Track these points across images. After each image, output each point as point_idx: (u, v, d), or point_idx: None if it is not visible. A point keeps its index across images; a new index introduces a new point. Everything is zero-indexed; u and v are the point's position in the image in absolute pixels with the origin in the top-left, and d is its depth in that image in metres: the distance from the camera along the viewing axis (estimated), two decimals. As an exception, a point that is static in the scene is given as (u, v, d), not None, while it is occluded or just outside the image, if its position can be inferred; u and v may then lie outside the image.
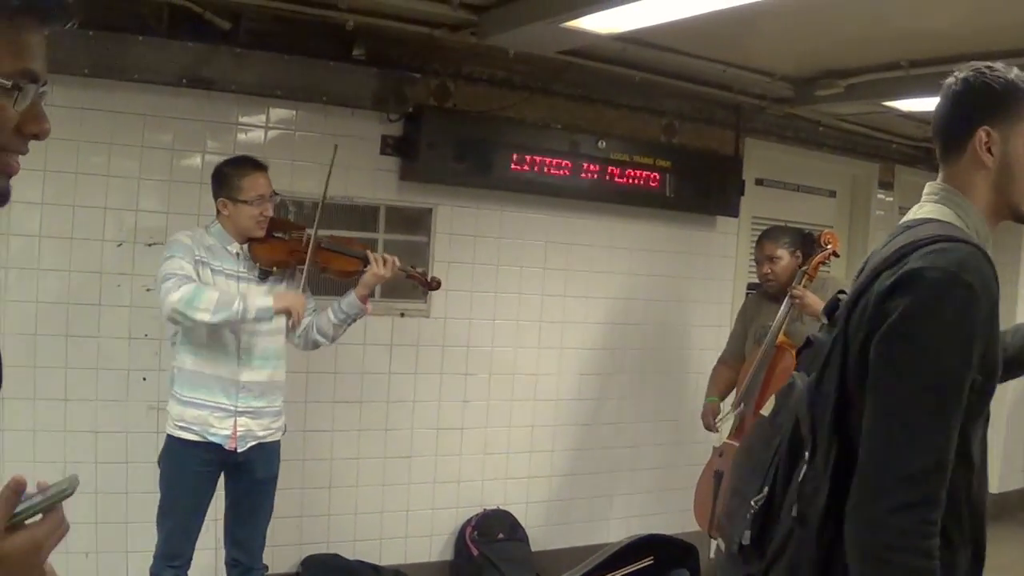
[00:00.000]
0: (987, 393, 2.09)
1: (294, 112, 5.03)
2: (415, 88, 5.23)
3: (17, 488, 1.35)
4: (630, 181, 6.04)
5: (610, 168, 5.95)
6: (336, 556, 5.32)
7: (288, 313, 4.12)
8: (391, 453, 5.53)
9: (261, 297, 4.08)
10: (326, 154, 4.87)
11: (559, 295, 6.07)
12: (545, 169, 5.69)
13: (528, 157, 5.61)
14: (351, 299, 4.34)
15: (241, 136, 4.92)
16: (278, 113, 5.01)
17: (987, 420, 2.17)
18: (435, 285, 4.61)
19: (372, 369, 5.40)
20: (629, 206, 6.16)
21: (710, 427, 5.66)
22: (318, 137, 5.02)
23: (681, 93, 6.13)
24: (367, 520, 5.48)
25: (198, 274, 4.04)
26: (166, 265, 4.01)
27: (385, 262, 4.34)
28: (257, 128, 4.97)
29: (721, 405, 5.68)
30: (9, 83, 1.36)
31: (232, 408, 4.15)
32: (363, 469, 5.46)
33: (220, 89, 4.72)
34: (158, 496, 4.17)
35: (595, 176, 5.89)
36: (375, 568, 5.40)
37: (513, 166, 5.58)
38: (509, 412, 5.96)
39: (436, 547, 5.77)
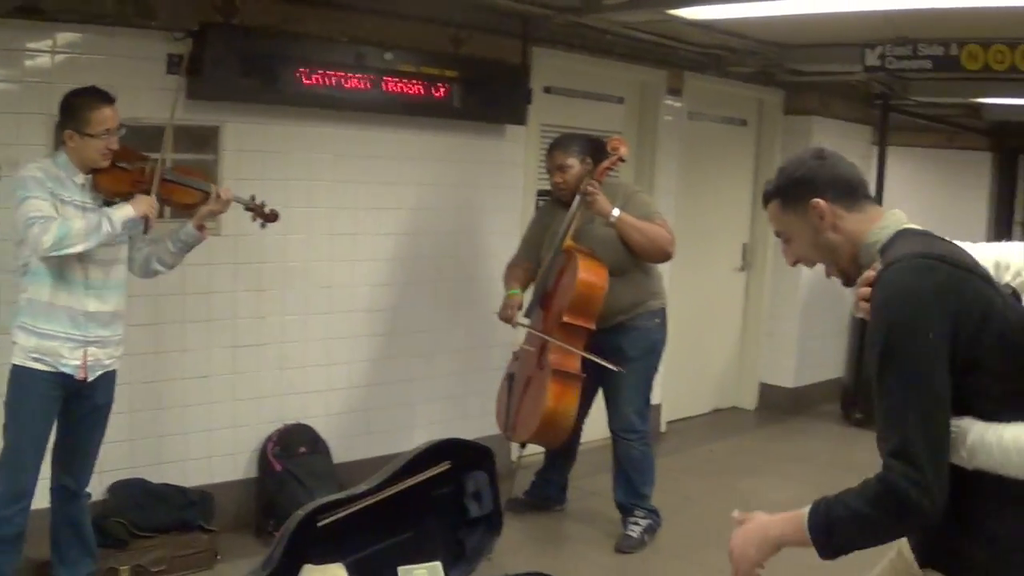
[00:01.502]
0: None
1: (80, 35, 5.24)
2: (200, 5, 5.51)
3: None
4: (417, 92, 6.47)
5: (397, 80, 6.35)
6: (142, 480, 5.66)
7: (147, 217, 4.57)
8: (189, 374, 5.87)
9: (119, 209, 4.51)
10: (116, 77, 5.12)
11: (350, 207, 6.49)
12: (332, 82, 6.05)
13: (315, 71, 5.96)
14: (188, 228, 4.83)
15: (28, 63, 5.13)
16: (65, 37, 5.20)
17: None
18: (273, 217, 5.11)
19: (166, 291, 5.67)
20: (417, 117, 6.61)
21: (509, 319, 6.24)
22: (105, 59, 5.26)
23: (468, 3, 6.54)
24: (170, 442, 5.83)
25: (55, 208, 4.39)
26: (25, 207, 4.34)
27: (219, 196, 4.83)
28: (44, 53, 5.18)
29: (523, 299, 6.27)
30: None
31: (82, 338, 4.57)
32: (162, 391, 5.79)
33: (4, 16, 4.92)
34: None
35: (382, 88, 6.30)
36: (181, 490, 5.75)
37: (300, 81, 5.92)
38: (304, 326, 6.37)
39: (240, 465, 6.18)
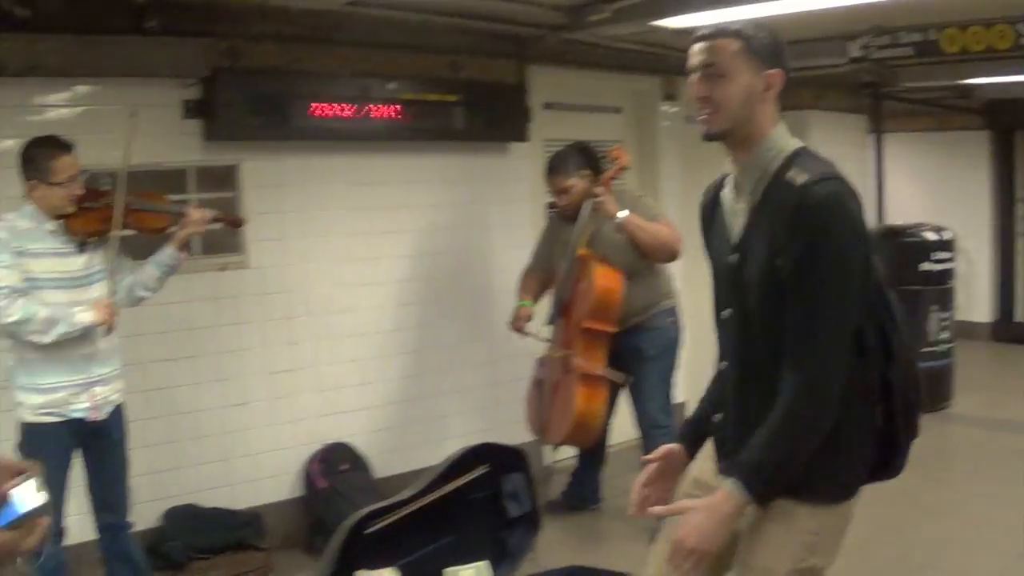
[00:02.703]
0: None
1: (99, 88, 5.47)
2: (208, 52, 5.70)
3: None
4: (421, 118, 6.69)
5: (401, 107, 6.57)
6: (194, 506, 5.84)
7: (104, 323, 4.58)
8: (228, 402, 6.09)
9: (81, 314, 4.50)
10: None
11: (367, 233, 6.72)
12: (339, 115, 6.28)
13: (322, 106, 6.19)
14: (170, 251, 4.87)
15: (52, 115, 5.37)
16: (82, 91, 5.44)
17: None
18: (240, 223, 5.31)
19: (200, 324, 5.93)
20: (423, 141, 6.84)
21: (520, 329, 6.39)
22: (123, 109, 5.29)
23: (463, 30, 6.75)
24: (215, 468, 5.99)
25: (18, 273, 4.41)
26: None
27: (195, 216, 4.91)
28: (64, 107, 5.42)
29: (534, 311, 6.40)
30: None
31: (85, 381, 4.62)
32: (202, 421, 5.99)
33: (21, 75, 5.14)
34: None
35: (388, 116, 6.53)
36: (232, 512, 5.93)
37: (309, 116, 6.14)
38: (335, 350, 6.58)
39: (285, 485, 6.37)
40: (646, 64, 8.23)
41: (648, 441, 6.48)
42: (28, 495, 1.86)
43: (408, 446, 6.92)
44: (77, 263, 4.65)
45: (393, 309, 6.89)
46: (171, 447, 5.82)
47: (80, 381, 4.62)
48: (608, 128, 8.28)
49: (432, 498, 4.93)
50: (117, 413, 4.84)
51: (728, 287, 3.02)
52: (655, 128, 8.53)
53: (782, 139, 2.91)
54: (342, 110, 6.31)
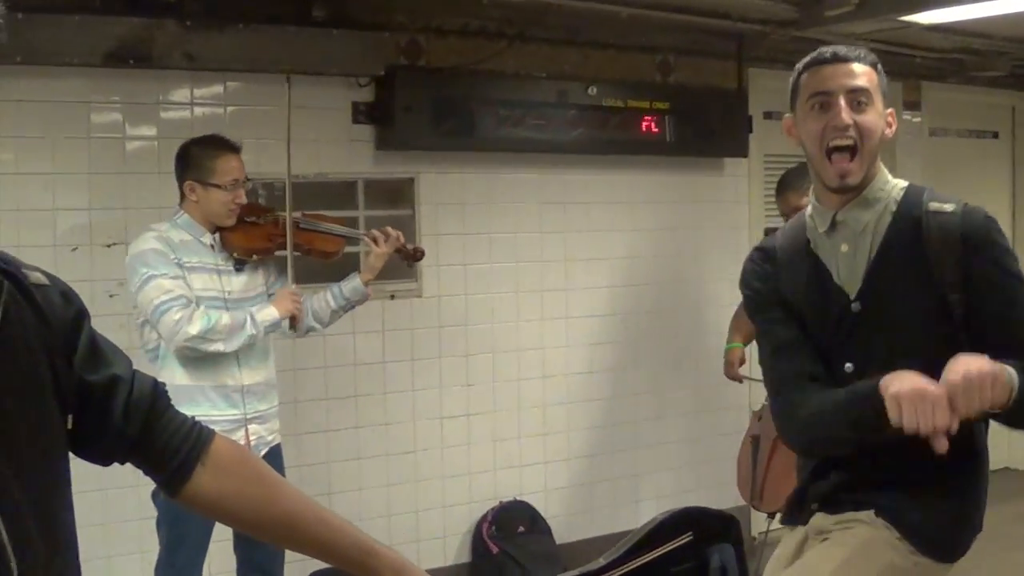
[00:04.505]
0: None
1: (257, 86, 5.11)
2: (384, 47, 5.32)
3: None
4: (626, 128, 6.20)
5: (603, 116, 6.09)
6: None
7: (292, 316, 4.27)
8: (393, 450, 5.70)
9: (263, 311, 4.17)
10: (295, 129, 4.91)
11: (559, 260, 6.26)
12: (532, 123, 5.85)
13: (513, 112, 5.78)
14: (355, 284, 4.45)
15: (199, 112, 5.04)
16: (236, 88, 5.12)
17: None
18: (419, 255, 4.78)
19: (365, 359, 5.57)
20: (627, 155, 6.34)
21: (735, 377, 5.79)
22: (283, 111, 5.03)
23: (675, 26, 6.18)
24: (373, 525, 5.49)
25: (186, 284, 4.06)
26: (152, 289, 3.99)
27: (387, 238, 4.45)
28: (215, 105, 5.09)
29: (747, 351, 5.78)
30: None
31: (241, 417, 4.21)
32: (364, 470, 5.62)
33: (171, 67, 4.78)
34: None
35: (587, 126, 6.03)
36: None
37: (497, 124, 5.75)
38: (517, 393, 6.14)
39: (451, 548, 5.96)
40: (886, 66, 7.26)
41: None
42: None
43: (596, 508, 6.44)
44: (235, 283, 4.28)
45: (585, 348, 6.39)
46: (325, 499, 5.36)
47: (235, 417, 4.20)
48: (840, 141, 7.49)
49: (628, 569, 4.58)
50: (274, 456, 4.37)
51: (844, 338, 2.81)
52: (894, 141, 7.63)
53: (889, 176, 2.87)
54: (537, 118, 5.87)
